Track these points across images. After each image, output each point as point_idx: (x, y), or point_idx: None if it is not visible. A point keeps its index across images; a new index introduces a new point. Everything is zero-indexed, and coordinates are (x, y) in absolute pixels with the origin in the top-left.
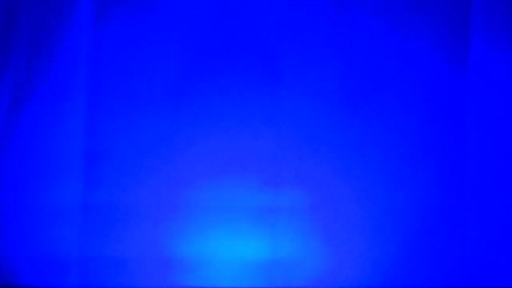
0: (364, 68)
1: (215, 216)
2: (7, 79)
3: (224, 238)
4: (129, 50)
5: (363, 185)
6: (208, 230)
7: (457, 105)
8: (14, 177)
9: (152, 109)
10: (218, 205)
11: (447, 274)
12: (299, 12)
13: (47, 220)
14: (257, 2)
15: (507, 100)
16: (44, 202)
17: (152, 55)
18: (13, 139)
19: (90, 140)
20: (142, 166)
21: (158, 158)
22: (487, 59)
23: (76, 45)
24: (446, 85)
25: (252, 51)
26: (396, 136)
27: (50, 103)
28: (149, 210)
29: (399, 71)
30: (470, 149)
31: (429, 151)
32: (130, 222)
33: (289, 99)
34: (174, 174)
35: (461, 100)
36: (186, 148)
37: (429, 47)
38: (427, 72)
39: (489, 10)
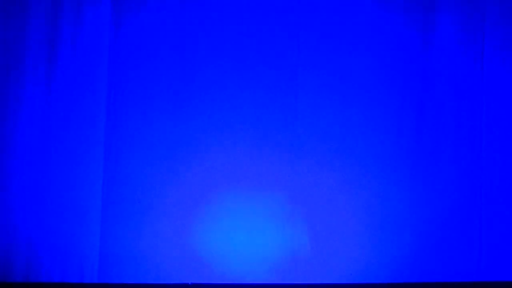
0: (383, 74)
1: (230, 215)
2: (25, 80)
3: (239, 236)
4: (148, 52)
5: (374, 187)
6: (223, 228)
7: (471, 106)
8: (35, 174)
9: (173, 110)
10: (234, 205)
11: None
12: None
13: (68, 216)
14: (276, 6)
15: None
16: (65, 199)
17: (174, 58)
18: (35, 138)
19: (109, 139)
20: (162, 165)
21: (177, 158)
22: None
23: (95, 49)
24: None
25: (272, 61)
26: (410, 138)
27: (71, 103)
28: (166, 208)
29: (416, 75)
30: (481, 147)
31: (444, 148)
32: (148, 219)
33: (305, 106)
34: (192, 174)
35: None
36: (206, 151)
37: (447, 53)
38: (445, 76)
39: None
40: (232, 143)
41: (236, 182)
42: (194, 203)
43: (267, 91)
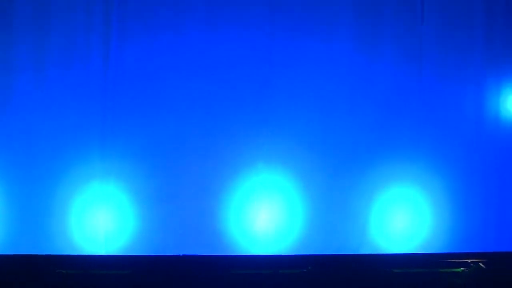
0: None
1: (228, 196)
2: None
3: (236, 213)
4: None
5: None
6: (222, 207)
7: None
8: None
9: (179, 112)
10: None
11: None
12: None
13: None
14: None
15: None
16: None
17: (167, 71)
18: (47, 136)
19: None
20: (168, 156)
21: (184, 154)
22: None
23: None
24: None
25: (247, 67)
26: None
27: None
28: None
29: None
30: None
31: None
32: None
33: (280, 105)
34: (196, 166)
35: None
36: (207, 149)
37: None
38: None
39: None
40: (229, 142)
41: (234, 173)
42: (197, 188)
43: (245, 98)
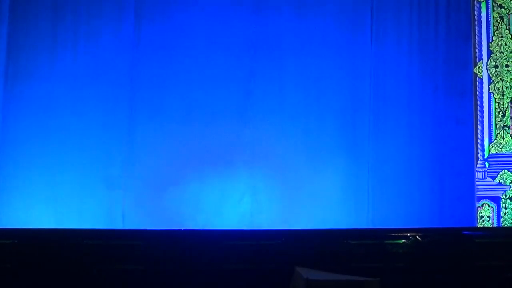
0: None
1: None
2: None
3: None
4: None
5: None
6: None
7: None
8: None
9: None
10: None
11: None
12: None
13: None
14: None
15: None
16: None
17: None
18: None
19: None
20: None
21: (177, 147)
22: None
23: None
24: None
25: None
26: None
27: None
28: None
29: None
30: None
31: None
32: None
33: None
34: (188, 155)
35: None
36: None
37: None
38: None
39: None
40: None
41: (218, 160)
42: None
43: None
